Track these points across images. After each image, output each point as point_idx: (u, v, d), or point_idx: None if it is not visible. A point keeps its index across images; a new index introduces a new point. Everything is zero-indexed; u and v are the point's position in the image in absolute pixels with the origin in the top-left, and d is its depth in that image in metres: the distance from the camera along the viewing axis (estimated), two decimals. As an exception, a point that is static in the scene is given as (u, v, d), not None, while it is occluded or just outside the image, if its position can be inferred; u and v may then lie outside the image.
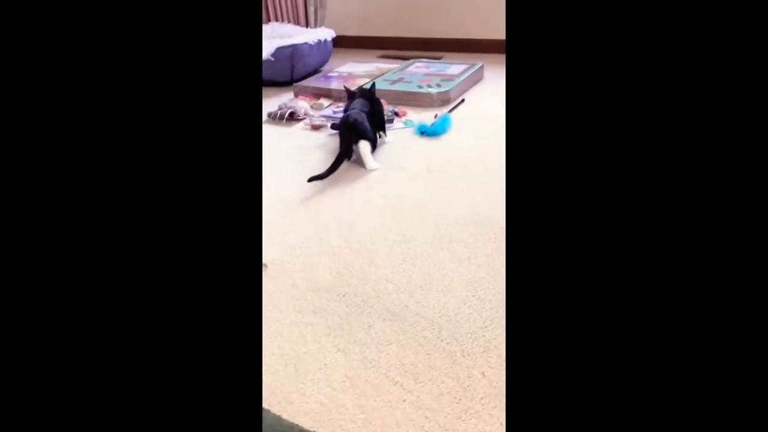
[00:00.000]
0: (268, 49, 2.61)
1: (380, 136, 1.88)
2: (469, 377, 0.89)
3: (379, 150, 1.84)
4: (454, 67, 2.70)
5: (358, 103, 1.82)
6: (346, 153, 1.69)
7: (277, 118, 2.18)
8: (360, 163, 1.74)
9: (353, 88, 2.01)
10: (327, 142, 1.96)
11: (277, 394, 0.88)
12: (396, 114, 2.17)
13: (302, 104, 2.24)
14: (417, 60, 2.92)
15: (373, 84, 2.04)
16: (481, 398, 0.85)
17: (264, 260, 1.24)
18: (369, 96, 1.88)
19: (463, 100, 2.35)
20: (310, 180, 1.59)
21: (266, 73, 2.62)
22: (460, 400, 0.85)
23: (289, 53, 2.64)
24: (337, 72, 2.79)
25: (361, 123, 1.70)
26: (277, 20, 3.28)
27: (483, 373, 0.89)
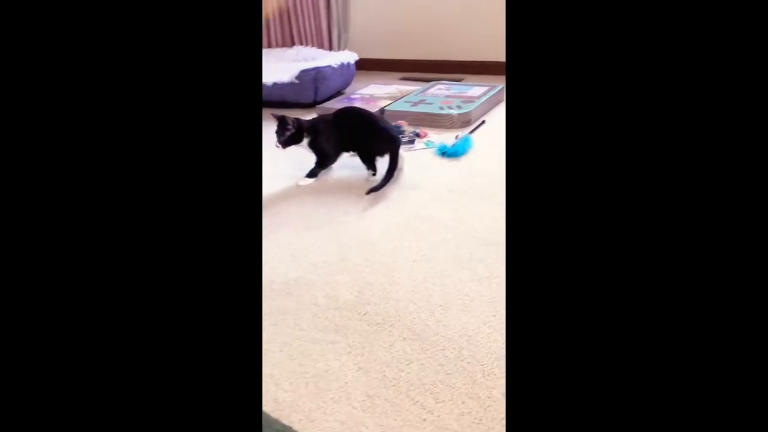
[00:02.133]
0: (292, 71, 2.68)
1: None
2: (490, 397, 0.89)
3: (399, 170, 1.85)
4: (475, 89, 2.72)
5: (322, 126, 1.83)
6: (394, 164, 1.76)
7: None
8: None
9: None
10: (348, 162, 1.99)
11: (297, 412, 0.89)
12: (417, 135, 2.21)
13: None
14: (438, 82, 2.96)
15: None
16: (502, 419, 0.85)
17: (287, 278, 1.26)
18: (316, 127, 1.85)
19: (483, 122, 2.38)
20: (368, 192, 1.68)
21: (290, 95, 2.68)
22: (480, 420, 0.86)
23: (312, 76, 2.70)
24: (360, 94, 2.84)
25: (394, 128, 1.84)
26: (301, 44, 3.38)
27: (504, 394, 0.89)
